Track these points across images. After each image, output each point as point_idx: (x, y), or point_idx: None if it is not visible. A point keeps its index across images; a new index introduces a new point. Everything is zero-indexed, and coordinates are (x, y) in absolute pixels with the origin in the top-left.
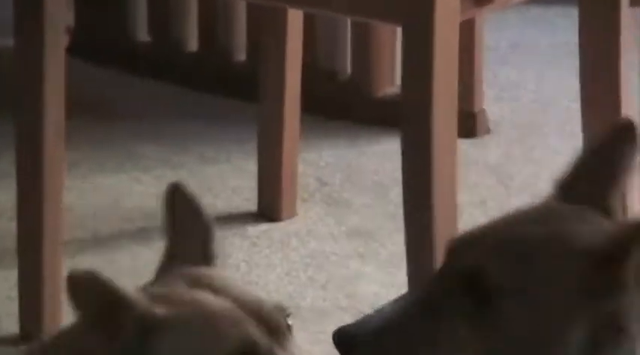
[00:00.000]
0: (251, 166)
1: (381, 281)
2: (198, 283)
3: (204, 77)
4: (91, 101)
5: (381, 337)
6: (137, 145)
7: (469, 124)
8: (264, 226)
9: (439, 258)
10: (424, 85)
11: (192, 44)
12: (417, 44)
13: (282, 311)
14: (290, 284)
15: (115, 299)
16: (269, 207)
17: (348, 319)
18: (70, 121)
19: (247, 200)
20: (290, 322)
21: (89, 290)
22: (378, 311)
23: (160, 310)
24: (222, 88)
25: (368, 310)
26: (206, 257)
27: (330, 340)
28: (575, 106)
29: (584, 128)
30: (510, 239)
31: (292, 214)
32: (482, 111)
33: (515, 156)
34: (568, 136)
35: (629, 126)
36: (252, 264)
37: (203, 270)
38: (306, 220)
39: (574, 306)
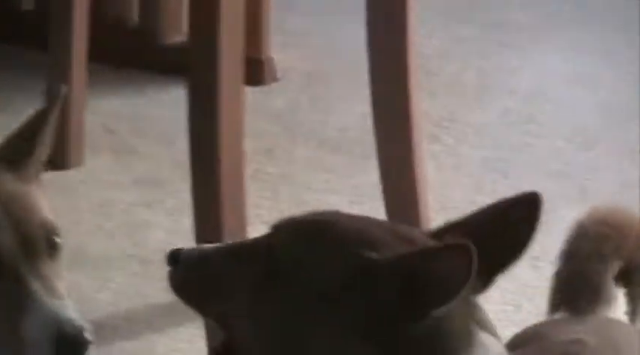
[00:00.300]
0: None
1: (168, 228)
2: None
3: None
4: None
5: (196, 265)
6: None
7: (256, 72)
8: (50, 174)
9: (225, 205)
10: (210, 33)
11: None
12: None
13: (46, 229)
14: (77, 232)
15: None
16: (56, 155)
17: (135, 266)
18: None
19: None
20: (58, 240)
21: None
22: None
23: None
24: (11, 36)
25: (155, 257)
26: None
27: (116, 288)
28: (363, 54)
29: (371, 76)
30: (310, 223)
31: (79, 162)
32: (270, 58)
33: (302, 104)
34: (355, 84)
35: None
36: None
37: None
38: (94, 168)
39: (331, 305)
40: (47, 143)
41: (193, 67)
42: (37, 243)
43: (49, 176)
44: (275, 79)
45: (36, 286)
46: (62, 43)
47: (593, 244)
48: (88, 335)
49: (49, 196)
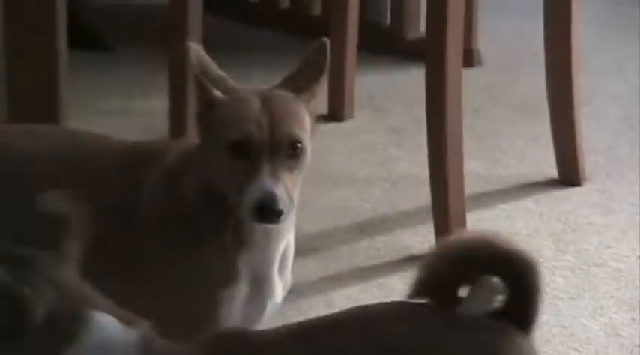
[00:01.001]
0: None
1: (412, 161)
2: (261, 94)
3: None
4: None
5: None
6: None
7: (469, 58)
8: (331, 125)
9: (449, 148)
10: (441, 31)
11: None
12: None
13: (290, 138)
14: (347, 161)
15: (203, 85)
16: (335, 111)
17: (387, 186)
18: None
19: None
20: (299, 145)
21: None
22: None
23: (219, 96)
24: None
25: (400, 180)
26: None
27: (375, 200)
28: (540, 46)
29: (546, 61)
30: None
31: (351, 116)
32: (477, 49)
33: (498, 81)
34: (533, 67)
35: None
36: (325, 150)
37: (281, 92)
38: (359, 121)
39: None
40: (320, 83)
41: (430, 56)
42: (280, 144)
43: (331, 126)
44: (480, 64)
45: (265, 169)
46: (339, 39)
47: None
48: (281, 206)
49: (331, 140)
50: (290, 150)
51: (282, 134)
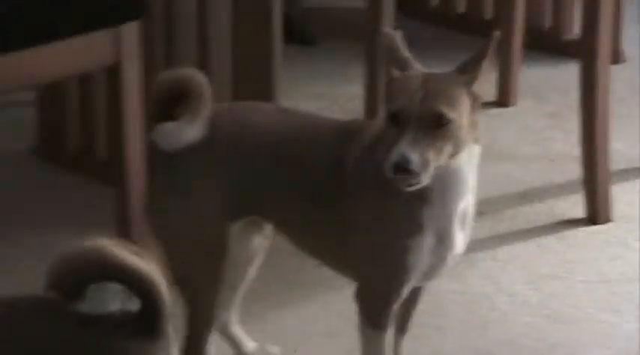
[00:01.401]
0: None
1: (567, 141)
2: (426, 74)
3: None
4: None
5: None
6: None
7: (615, 57)
8: (497, 109)
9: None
10: (592, 33)
11: None
12: None
13: (433, 113)
14: (501, 137)
15: (388, 67)
16: (502, 97)
17: (545, 162)
18: None
19: None
20: (445, 121)
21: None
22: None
23: (395, 74)
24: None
25: (556, 158)
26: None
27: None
28: None
29: None
30: None
31: (515, 103)
32: (622, 49)
33: (635, 74)
34: None
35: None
36: (493, 130)
37: (444, 74)
38: (522, 106)
39: None
40: (482, 67)
41: (584, 54)
42: (425, 116)
43: (498, 110)
44: (625, 61)
45: (407, 136)
46: (507, 39)
47: None
48: (411, 167)
49: (498, 122)
50: (434, 123)
51: (428, 107)
